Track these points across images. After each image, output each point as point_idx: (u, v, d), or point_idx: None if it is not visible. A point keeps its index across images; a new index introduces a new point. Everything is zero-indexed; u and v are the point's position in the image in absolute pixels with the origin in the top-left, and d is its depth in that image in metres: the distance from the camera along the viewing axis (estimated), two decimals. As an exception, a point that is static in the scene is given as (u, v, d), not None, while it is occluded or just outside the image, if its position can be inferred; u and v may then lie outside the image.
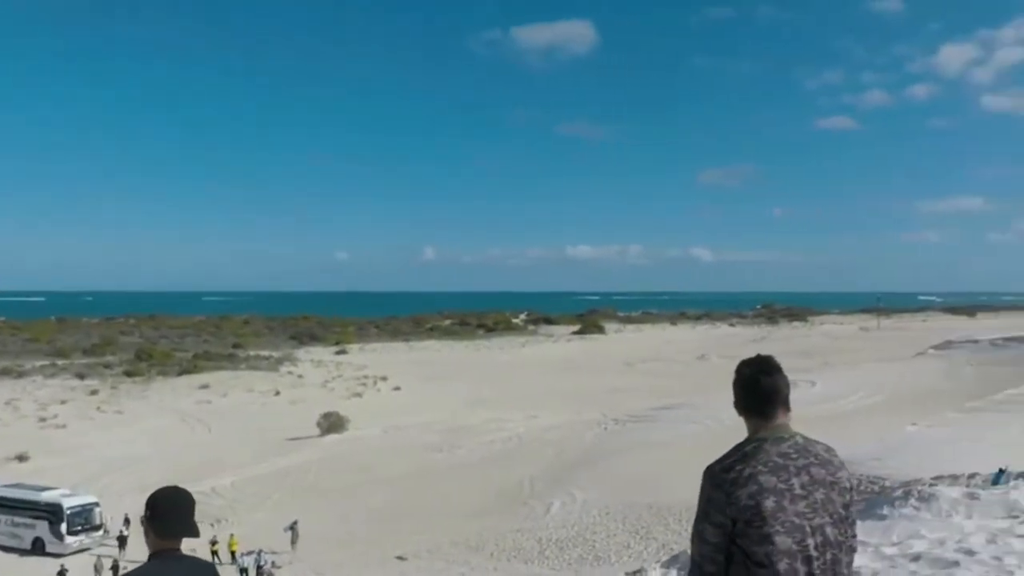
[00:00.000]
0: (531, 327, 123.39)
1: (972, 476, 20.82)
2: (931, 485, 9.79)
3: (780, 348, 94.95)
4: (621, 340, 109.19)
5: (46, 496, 30.67)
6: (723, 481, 2.64)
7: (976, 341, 68.17)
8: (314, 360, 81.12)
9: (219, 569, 3.03)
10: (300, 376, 70.69)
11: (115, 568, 26.71)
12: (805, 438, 2.79)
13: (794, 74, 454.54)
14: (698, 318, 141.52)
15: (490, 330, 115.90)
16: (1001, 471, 19.20)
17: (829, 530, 2.66)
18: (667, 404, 49.72)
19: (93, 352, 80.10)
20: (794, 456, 2.71)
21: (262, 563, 25.76)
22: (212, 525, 30.62)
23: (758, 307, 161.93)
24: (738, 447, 2.76)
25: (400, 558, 26.43)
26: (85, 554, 29.40)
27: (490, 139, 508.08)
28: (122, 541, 28.88)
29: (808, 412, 46.41)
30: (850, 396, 51.12)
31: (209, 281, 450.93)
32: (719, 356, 74.73)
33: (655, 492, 28.50)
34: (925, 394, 49.11)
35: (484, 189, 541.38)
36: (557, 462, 38.44)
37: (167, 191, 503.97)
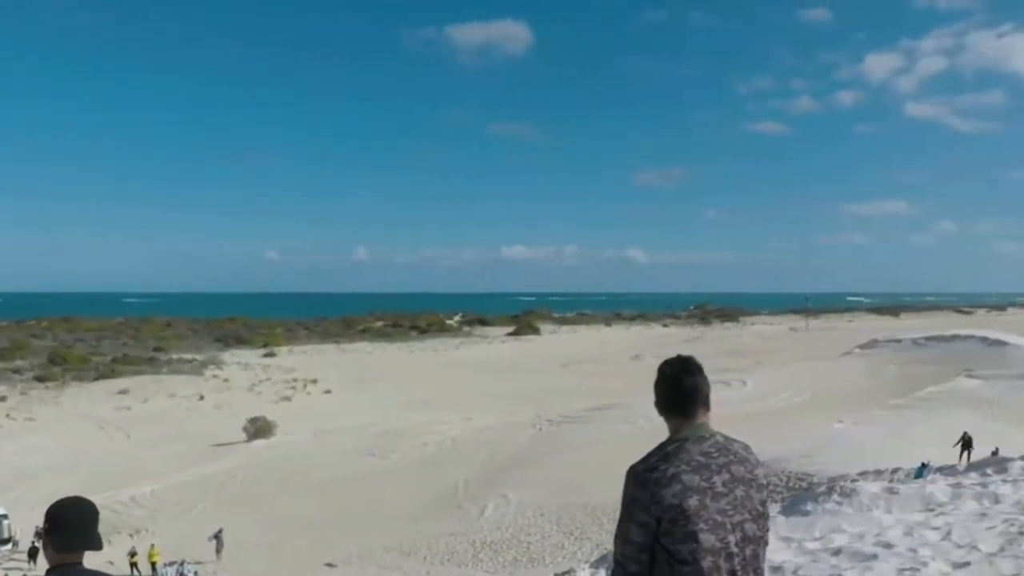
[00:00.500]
0: (465, 328, 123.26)
1: (895, 471, 21.73)
2: (853, 481, 10.18)
3: (713, 348, 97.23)
4: (556, 341, 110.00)
5: (-50, 509, 29.24)
6: (647, 481, 2.68)
7: (899, 340, 70.89)
8: (241, 363, 79.41)
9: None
10: (226, 380, 69.10)
11: (25, 583, 25.64)
12: (725, 437, 2.88)
13: (726, 79, 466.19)
14: (633, 319, 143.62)
15: (424, 332, 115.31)
16: (923, 465, 20.16)
17: (748, 526, 2.75)
18: (602, 404, 50.31)
19: (2, 356, 76.61)
20: (715, 455, 2.78)
21: (185, 573, 25.12)
22: (131, 536, 29.77)
23: (691, 308, 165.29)
24: (660, 447, 2.82)
25: (330, 565, 26.10)
26: (-8, 569, 28.13)
27: (424, 138, 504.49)
28: (33, 554, 27.75)
29: (739, 411, 47.66)
30: (780, 395, 52.65)
31: (130, 282, 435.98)
32: (653, 356, 75.95)
33: (589, 492, 28.80)
34: (851, 392, 50.91)
35: (418, 189, 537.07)
36: (491, 464, 38.53)
37: (86, 187, 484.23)
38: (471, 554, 25.89)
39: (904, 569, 5.74)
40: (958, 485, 8.91)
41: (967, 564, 5.73)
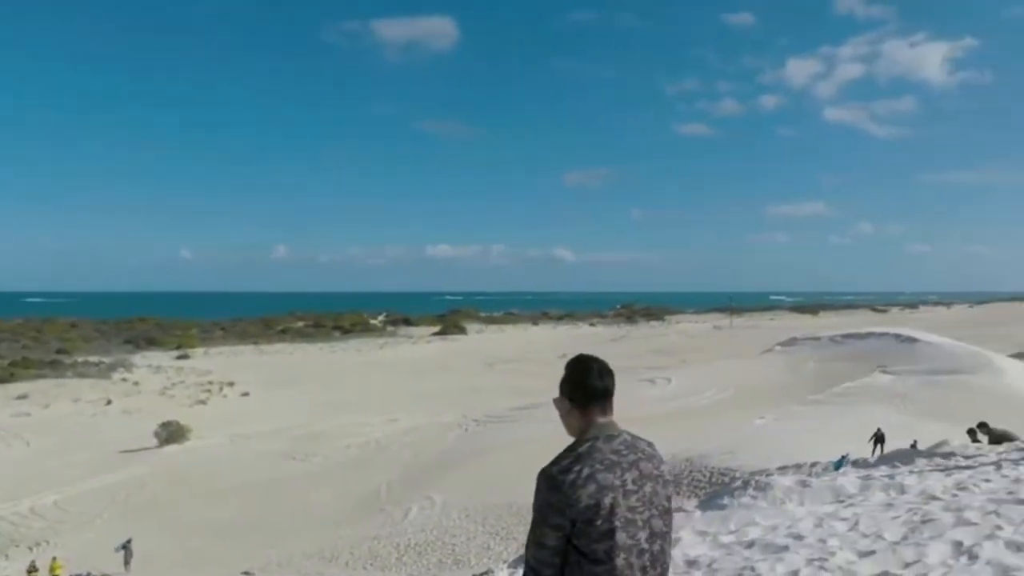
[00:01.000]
0: (390, 328, 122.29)
1: (813, 465, 22.54)
2: (767, 475, 10.53)
3: (639, 347, 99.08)
4: (483, 340, 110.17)
5: None
6: (562, 483, 2.72)
7: (818, 338, 73.44)
8: (152, 366, 76.94)
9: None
10: (136, 383, 66.85)
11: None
12: (632, 435, 2.95)
13: (653, 80, 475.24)
14: (560, 318, 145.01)
15: (347, 332, 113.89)
16: (843, 457, 21.09)
17: (656, 522, 2.82)
18: (528, 404, 50.62)
19: None
20: (625, 452, 2.85)
21: (90, 587, 24.23)
22: (31, 549, 28.56)
23: (618, 307, 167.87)
24: (571, 448, 2.86)
25: (247, 573, 25.53)
26: None
27: (348, 134, 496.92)
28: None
29: (664, 408, 48.73)
30: (704, 392, 53.98)
31: (32, 281, 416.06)
32: (580, 355, 76.59)
33: (515, 492, 28.93)
34: (772, 389, 52.54)
35: (341, 186, 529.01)
36: (416, 465, 38.36)
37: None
38: (395, 557, 25.73)
39: (813, 559, 5.98)
40: (868, 477, 9.33)
41: (872, 553, 5.99)
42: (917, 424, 34.44)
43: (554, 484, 2.74)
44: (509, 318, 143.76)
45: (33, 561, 25.86)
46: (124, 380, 68.02)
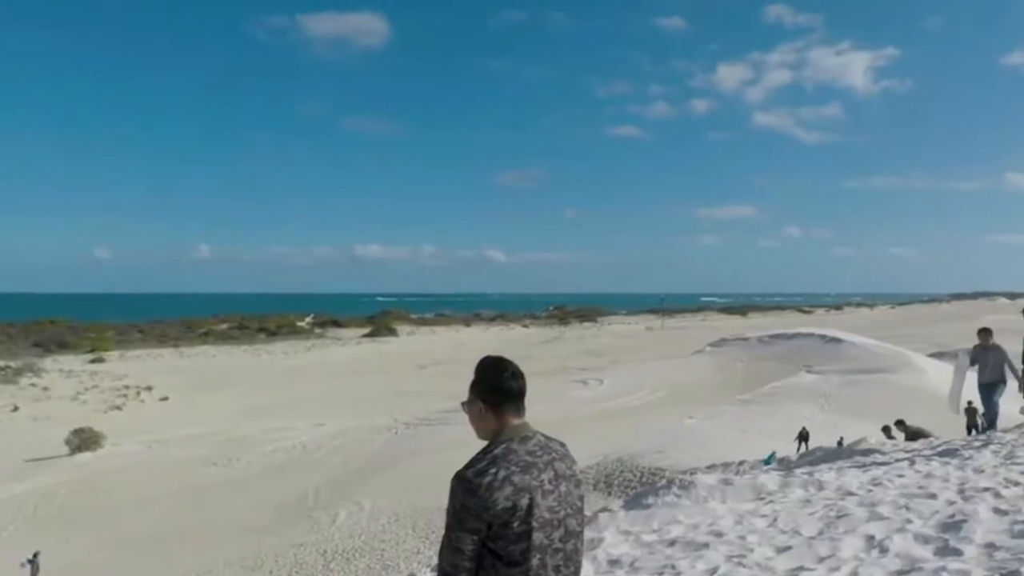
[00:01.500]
0: (318, 330, 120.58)
1: (741, 463, 23.14)
2: (691, 473, 10.78)
3: (572, 348, 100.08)
4: (414, 342, 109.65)
5: None
6: (478, 487, 2.74)
7: (747, 339, 75.48)
8: (63, 370, 74.16)
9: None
10: (45, 388, 64.32)
11: None
12: (545, 436, 2.99)
13: (586, 82, 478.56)
14: (492, 319, 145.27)
15: (273, 334, 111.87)
16: (772, 454, 21.85)
17: (570, 521, 2.87)
18: (459, 406, 50.57)
19: None
20: (540, 453, 2.89)
21: (-6, 605, 23.20)
22: (-72, 565, 27.19)
23: (551, 308, 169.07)
24: (486, 450, 2.88)
25: (165, 586, 24.88)
26: None
27: (274, 131, 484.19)
28: None
29: (597, 409, 49.35)
30: (636, 392, 54.88)
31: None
32: (512, 357, 76.56)
33: (445, 495, 28.47)
34: (702, 389, 53.77)
35: (266, 184, 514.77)
36: (344, 470, 37.95)
37: None
38: (321, 564, 25.43)
39: (732, 556, 6.15)
40: (788, 474, 9.65)
41: (789, 548, 6.21)
42: (841, 422, 35.72)
43: (470, 488, 2.75)
44: (441, 319, 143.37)
45: (-69, 578, 24.66)
46: (33, 385, 65.40)
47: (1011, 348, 13.63)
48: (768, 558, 6.02)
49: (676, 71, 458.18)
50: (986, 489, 7.19)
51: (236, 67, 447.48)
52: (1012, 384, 13.27)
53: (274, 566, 25.65)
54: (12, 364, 73.98)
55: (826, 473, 9.49)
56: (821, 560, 5.80)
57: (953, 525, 6.14)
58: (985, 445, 10.55)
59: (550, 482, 2.84)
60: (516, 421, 2.96)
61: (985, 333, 13.86)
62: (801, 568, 5.72)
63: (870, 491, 7.95)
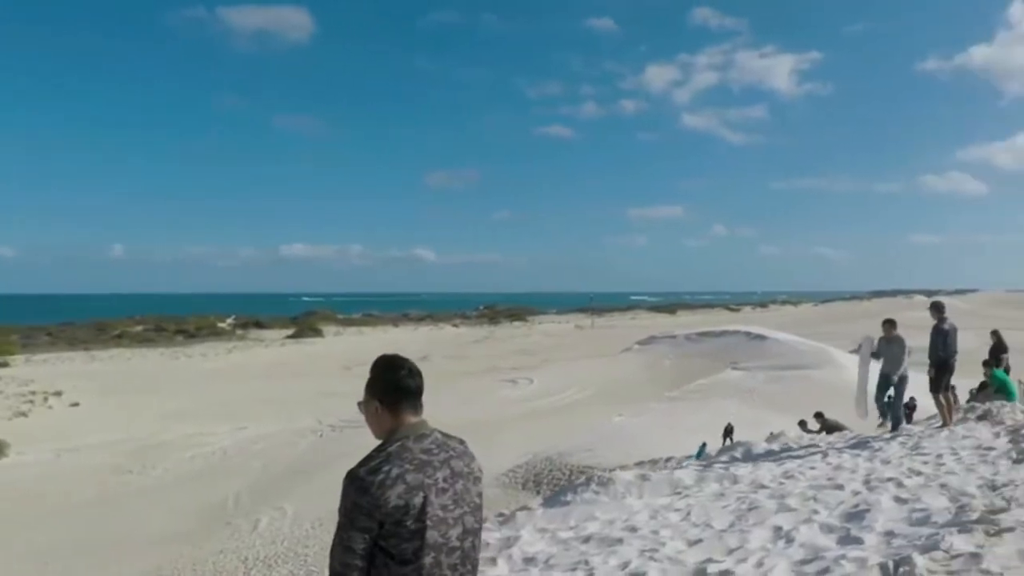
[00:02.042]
0: (240, 332, 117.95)
1: (668, 459, 23.62)
2: (610, 471, 10.97)
3: (503, 348, 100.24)
4: (340, 343, 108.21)
5: None
6: (370, 485, 2.75)
7: (674, 336, 76.92)
8: (-36, 375, 70.81)
9: None
10: (-56, 395, 61.31)
11: None
12: (443, 433, 3.02)
13: (516, 82, 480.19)
14: (422, 319, 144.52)
15: (191, 336, 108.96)
16: (703, 446, 22.39)
17: (468, 519, 2.91)
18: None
19: None
20: (436, 451, 2.91)
21: None
22: None
23: (481, 308, 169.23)
24: (380, 448, 2.90)
25: (73, 601, 24.02)
26: None
27: (193, 127, 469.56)
28: None
29: (526, 408, 49.59)
30: (566, 391, 55.36)
31: None
32: (442, 357, 77.04)
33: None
34: (631, 386, 54.59)
35: (185, 181, 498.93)
36: (266, 475, 37.23)
37: None
38: (242, 572, 24.89)
39: (644, 550, 6.30)
40: (705, 468, 9.90)
41: (700, 541, 6.39)
42: (765, 416, 36.73)
43: (362, 486, 2.77)
44: (368, 320, 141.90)
45: None
46: (-70, 392, 62.24)
47: (922, 344, 13.96)
48: (679, 551, 6.18)
49: (606, 72, 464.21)
50: (890, 479, 7.52)
51: (150, 60, 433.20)
52: (918, 376, 13.71)
53: (192, 575, 25.02)
54: (-94, 370, 70.37)
55: (741, 467, 9.78)
56: (730, 552, 5.99)
57: (856, 515, 6.42)
58: (894, 437, 11.02)
59: (445, 480, 2.86)
60: (413, 419, 2.98)
61: (889, 324, 13.87)
62: (710, 560, 5.89)
63: (782, 484, 8.23)
